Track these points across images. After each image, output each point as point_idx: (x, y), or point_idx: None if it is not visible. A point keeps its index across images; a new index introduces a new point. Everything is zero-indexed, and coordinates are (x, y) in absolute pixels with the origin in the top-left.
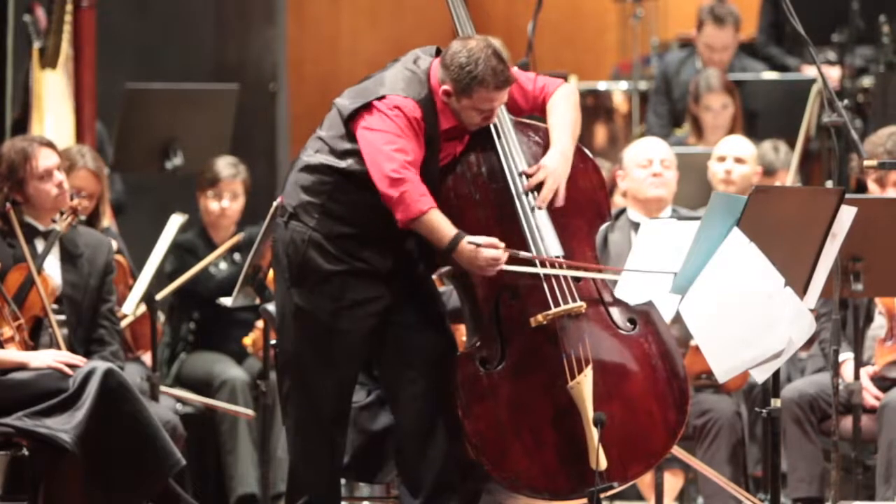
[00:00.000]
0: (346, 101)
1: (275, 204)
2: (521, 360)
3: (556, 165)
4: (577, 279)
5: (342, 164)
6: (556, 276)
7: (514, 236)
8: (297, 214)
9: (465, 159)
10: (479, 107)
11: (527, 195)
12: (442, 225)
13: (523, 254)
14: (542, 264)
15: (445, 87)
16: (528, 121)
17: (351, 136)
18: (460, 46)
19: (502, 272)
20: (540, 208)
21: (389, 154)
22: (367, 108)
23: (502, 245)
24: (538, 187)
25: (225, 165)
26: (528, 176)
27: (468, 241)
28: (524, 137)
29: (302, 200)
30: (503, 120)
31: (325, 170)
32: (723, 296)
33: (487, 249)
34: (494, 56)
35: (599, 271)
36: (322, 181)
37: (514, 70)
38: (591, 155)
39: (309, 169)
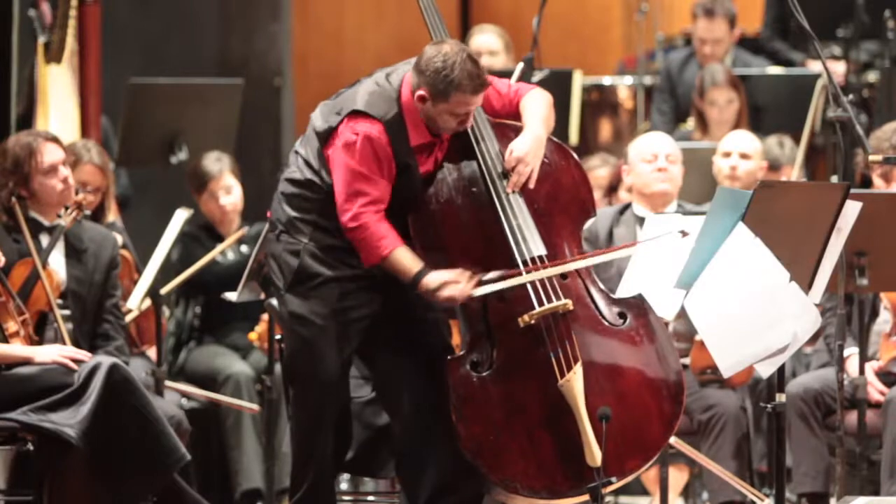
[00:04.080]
0: (319, 121)
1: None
2: (511, 361)
3: (527, 148)
4: (563, 276)
5: (324, 182)
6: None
7: (497, 238)
8: (288, 230)
9: (446, 165)
10: (456, 111)
11: (507, 197)
12: (403, 265)
13: (488, 276)
14: (520, 275)
15: (421, 92)
16: (506, 121)
17: (325, 157)
18: (435, 51)
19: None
20: (510, 193)
21: (346, 197)
22: (335, 130)
23: (465, 276)
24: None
25: (209, 163)
26: (507, 173)
27: (426, 281)
28: (503, 138)
29: (290, 216)
30: (481, 123)
31: (309, 185)
32: (728, 291)
33: (444, 290)
34: (469, 60)
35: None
36: (308, 197)
37: (488, 75)
38: (573, 153)
39: (294, 184)
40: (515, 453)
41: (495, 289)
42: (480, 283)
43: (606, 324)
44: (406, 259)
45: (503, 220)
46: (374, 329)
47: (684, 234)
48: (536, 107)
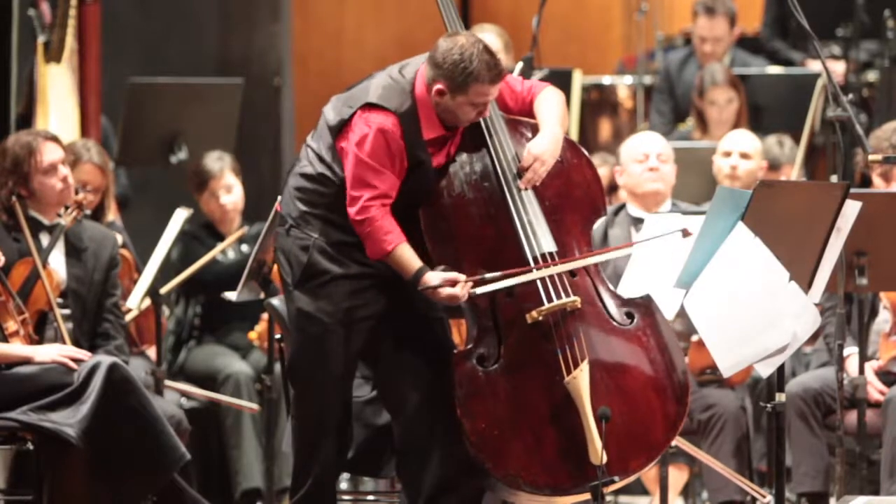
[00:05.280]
0: (331, 114)
1: (274, 209)
2: (518, 357)
3: (543, 148)
4: (572, 274)
5: (336, 176)
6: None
7: (508, 233)
8: (299, 225)
9: (458, 159)
10: (475, 101)
11: (519, 193)
12: (405, 262)
13: (490, 275)
14: (522, 273)
15: (439, 86)
16: (519, 118)
17: (337, 150)
18: (451, 44)
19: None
20: (522, 189)
21: (355, 188)
22: (348, 122)
23: (462, 278)
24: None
25: (209, 162)
26: (521, 170)
27: (427, 279)
28: (516, 134)
29: (301, 211)
30: (495, 118)
31: (322, 180)
32: (727, 290)
33: (443, 289)
34: (486, 51)
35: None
36: (320, 192)
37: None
38: (585, 151)
39: (306, 179)
40: (519, 449)
41: (499, 286)
42: (482, 282)
43: (614, 323)
44: (408, 256)
45: (514, 215)
46: (378, 327)
47: (686, 233)
48: (552, 106)
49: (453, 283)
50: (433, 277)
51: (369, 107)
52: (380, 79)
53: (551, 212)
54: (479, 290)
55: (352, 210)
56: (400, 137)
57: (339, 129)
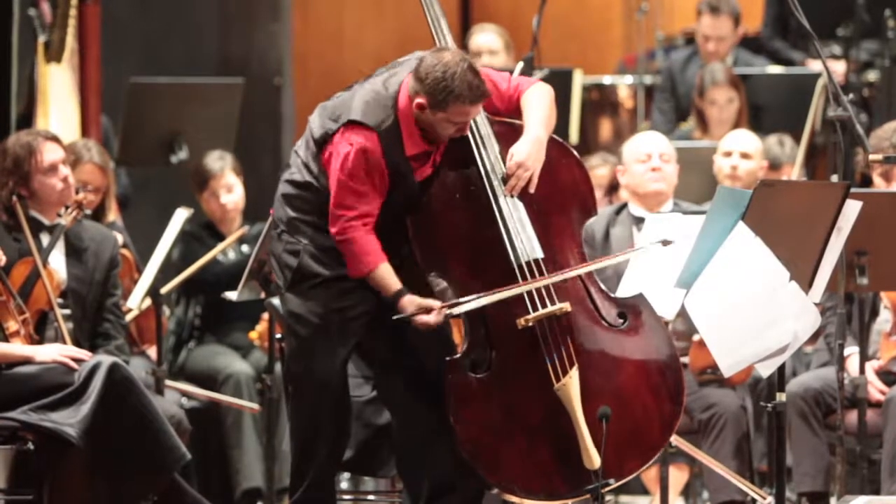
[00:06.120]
0: (316, 125)
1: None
2: (509, 363)
3: (527, 152)
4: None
5: (321, 185)
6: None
7: (495, 239)
8: (289, 231)
9: (444, 165)
10: (454, 120)
11: (505, 199)
12: (385, 282)
13: (465, 299)
14: (501, 291)
15: (419, 100)
16: (506, 120)
17: (322, 161)
18: (436, 59)
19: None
20: (506, 196)
21: (338, 210)
22: (330, 138)
23: (437, 305)
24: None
25: (210, 161)
26: (506, 177)
27: (403, 304)
28: (503, 139)
29: (290, 217)
30: (481, 123)
31: (308, 188)
32: (728, 290)
33: (418, 317)
34: (470, 70)
35: (578, 272)
36: (307, 199)
37: (487, 70)
38: (573, 151)
39: (294, 186)
40: (513, 455)
41: (477, 304)
42: (457, 305)
43: (606, 324)
44: (386, 278)
45: (499, 222)
46: (375, 326)
47: (665, 242)
48: (537, 105)
49: (428, 311)
50: (408, 304)
51: (351, 124)
52: (364, 92)
53: (538, 215)
54: (457, 310)
55: (333, 229)
56: (381, 156)
57: (323, 143)
